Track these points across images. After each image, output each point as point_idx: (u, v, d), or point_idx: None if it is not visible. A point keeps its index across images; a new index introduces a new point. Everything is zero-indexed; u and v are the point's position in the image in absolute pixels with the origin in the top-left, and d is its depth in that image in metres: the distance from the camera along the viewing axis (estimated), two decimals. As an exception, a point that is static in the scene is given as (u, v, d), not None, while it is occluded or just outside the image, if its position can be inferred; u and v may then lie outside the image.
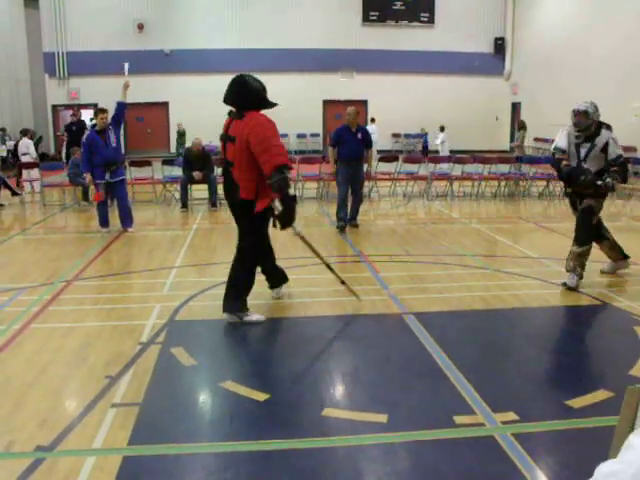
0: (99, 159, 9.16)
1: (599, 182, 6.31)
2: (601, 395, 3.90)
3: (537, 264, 7.39)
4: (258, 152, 4.99)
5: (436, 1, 25.21)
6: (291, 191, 5.15)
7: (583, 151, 6.42)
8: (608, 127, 6.55)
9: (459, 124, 23.08)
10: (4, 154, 18.65)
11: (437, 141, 19.53)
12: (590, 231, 6.52)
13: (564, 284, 6.39)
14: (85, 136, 9.50)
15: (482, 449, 3.38)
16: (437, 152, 18.54)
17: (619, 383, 4.06)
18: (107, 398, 3.94)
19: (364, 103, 24.81)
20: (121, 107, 9.27)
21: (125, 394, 4.01)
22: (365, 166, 10.07)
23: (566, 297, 6.14)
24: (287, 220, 5.27)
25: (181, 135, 22.97)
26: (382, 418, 3.68)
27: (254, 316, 5.41)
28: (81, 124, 15.96)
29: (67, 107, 24.10)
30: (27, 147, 14.84)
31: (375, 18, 25.13)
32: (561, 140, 6.57)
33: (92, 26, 23.35)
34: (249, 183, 5.16)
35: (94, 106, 22.00)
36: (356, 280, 6.88)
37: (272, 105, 5.41)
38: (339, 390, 4.19)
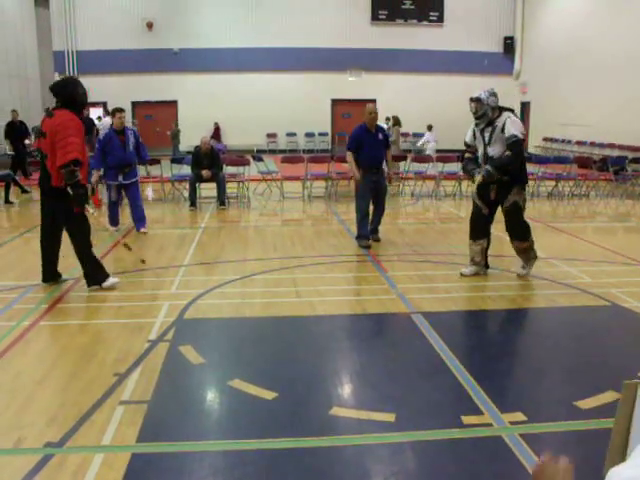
0: (113, 160, 9.13)
1: (477, 176, 6.58)
2: (610, 396, 3.87)
3: (545, 264, 7.36)
4: (57, 145, 5.81)
5: (445, 0, 25.15)
6: (79, 180, 5.91)
7: (487, 136, 6.61)
8: (511, 111, 6.66)
9: (468, 123, 23.02)
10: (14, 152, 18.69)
11: (419, 142, 19.37)
12: (524, 225, 6.73)
13: (518, 274, 6.81)
14: (103, 134, 9.51)
15: (490, 449, 3.37)
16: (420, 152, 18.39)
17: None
18: (115, 395, 3.96)
19: (373, 102, 24.77)
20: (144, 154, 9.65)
21: (133, 392, 4.02)
22: (385, 168, 8.77)
23: (574, 298, 6.12)
24: (77, 204, 6.06)
25: (175, 136, 22.94)
26: (390, 417, 3.68)
27: (111, 280, 6.34)
28: (89, 122, 16.00)
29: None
30: None
31: (384, 17, 25.10)
32: (467, 135, 6.91)
33: (101, 25, 23.46)
34: (59, 173, 5.91)
35: (103, 104, 22.24)
36: (364, 279, 6.89)
37: (81, 109, 6.24)
38: (347, 389, 4.20)
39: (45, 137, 5.94)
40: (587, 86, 19.94)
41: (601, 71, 19.10)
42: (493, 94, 6.58)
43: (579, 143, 20.87)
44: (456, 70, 24.84)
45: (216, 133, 24.73)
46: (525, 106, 25.23)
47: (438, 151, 17.91)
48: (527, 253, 6.78)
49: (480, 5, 25.19)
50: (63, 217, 6.23)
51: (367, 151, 8.31)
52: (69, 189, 5.95)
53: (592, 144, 20.17)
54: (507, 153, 6.40)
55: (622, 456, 1.51)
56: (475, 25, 25.10)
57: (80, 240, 6.26)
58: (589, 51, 19.87)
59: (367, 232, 8.42)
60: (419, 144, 19.57)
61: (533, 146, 24.04)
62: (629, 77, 17.80)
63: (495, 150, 6.51)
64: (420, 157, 15.20)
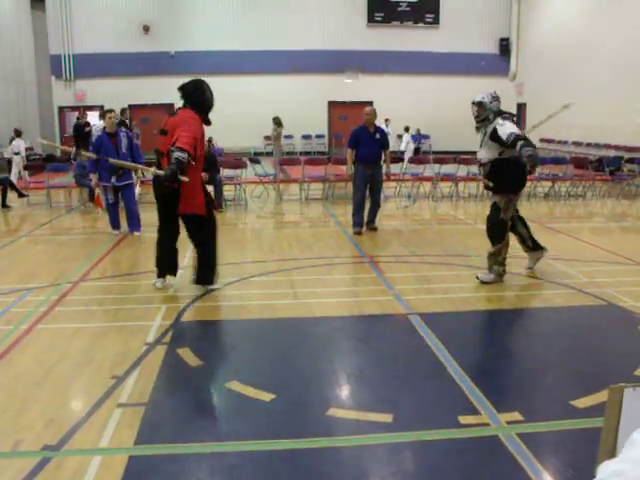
0: (106, 163, 9.13)
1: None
2: (606, 395, 3.87)
3: (542, 264, 7.37)
4: (176, 135, 5.72)
5: (441, 2, 25.21)
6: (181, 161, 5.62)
7: (479, 139, 6.58)
8: (506, 117, 6.41)
9: (464, 124, 23.04)
10: (11, 155, 18.69)
11: (402, 144, 19.09)
12: (498, 229, 6.56)
13: (478, 278, 6.62)
14: (96, 137, 9.55)
15: (487, 449, 3.38)
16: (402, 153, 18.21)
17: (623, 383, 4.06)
18: (113, 398, 3.96)
19: (370, 104, 24.78)
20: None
21: (131, 394, 4.03)
22: (384, 167, 9.75)
23: (571, 297, 6.14)
24: (166, 178, 5.78)
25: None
26: (387, 418, 3.69)
27: (216, 285, 6.43)
28: (82, 127, 16.10)
29: (73, 109, 24.19)
30: (19, 147, 15.27)
31: (380, 19, 25.14)
32: None
33: (98, 28, 23.47)
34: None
35: (100, 108, 22.24)
36: (362, 281, 6.90)
37: (207, 112, 6.21)
38: (344, 390, 4.21)
39: (166, 135, 5.97)
40: (583, 87, 19.98)
41: (596, 72, 19.16)
42: (496, 98, 6.47)
43: (575, 144, 20.91)
44: (452, 71, 24.88)
45: None
46: (521, 107, 25.28)
47: (435, 152, 17.89)
48: (491, 260, 6.61)
49: (476, 7, 25.24)
50: (182, 217, 6.22)
51: (364, 148, 9.32)
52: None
53: (588, 145, 20.21)
54: (520, 143, 5.99)
55: (611, 457, 1.52)
56: (471, 27, 25.15)
57: (209, 236, 6.26)
58: (584, 52, 19.93)
59: (360, 220, 9.40)
60: (402, 145, 19.30)
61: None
62: (624, 78, 17.85)
63: (482, 154, 6.50)
64: (417, 158, 15.20)
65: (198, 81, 6.21)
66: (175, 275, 6.59)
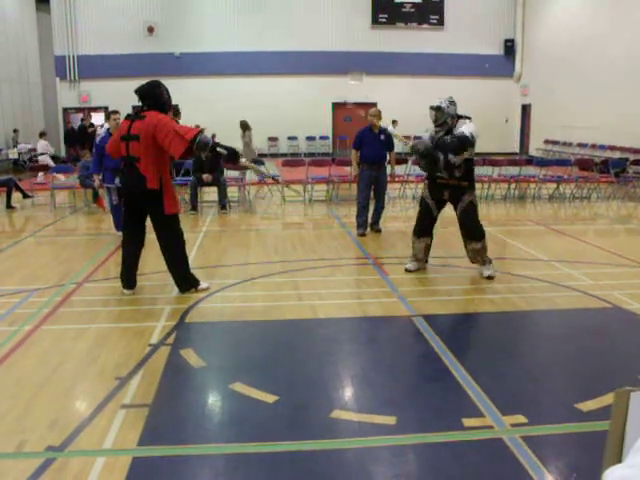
0: (109, 163, 9.11)
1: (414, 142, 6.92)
2: (611, 398, 3.85)
3: (547, 267, 7.36)
4: (165, 141, 5.73)
5: (446, 3, 25.19)
6: (212, 142, 5.91)
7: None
8: (469, 119, 6.86)
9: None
10: (16, 156, 18.78)
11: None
12: (480, 224, 6.89)
13: (488, 277, 6.78)
14: (99, 138, 9.53)
15: (491, 452, 3.37)
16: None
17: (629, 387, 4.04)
18: (117, 399, 3.96)
19: (374, 105, 24.76)
20: None
21: (135, 395, 4.03)
22: (388, 168, 9.79)
23: (575, 300, 6.12)
24: (231, 161, 6.36)
25: None
26: (391, 420, 3.68)
27: (204, 284, 6.43)
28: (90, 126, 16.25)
29: (78, 110, 24.26)
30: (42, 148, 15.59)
31: (384, 20, 25.13)
32: (424, 137, 7.10)
33: (103, 29, 23.51)
34: (155, 175, 5.88)
35: (104, 109, 22.31)
36: (365, 282, 6.89)
37: (167, 111, 6.15)
38: (348, 392, 4.20)
39: (138, 140, 5.85)
40: (588, 88, 19.96)
41: (602, 73, 19.11)
42: (453, 102, 6.85)
43: (580, 145, 20.87)
44: (457, 73, 24.84)
45: None
46: (526, 108, 25.26)
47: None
48: (482, 255, 6.85)
49: (480, 8, 25.21)
50: (159, 220, 6.10)
51: (369, 149, 9.33)
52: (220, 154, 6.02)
53: (593, 146, 20.18)
54: (454, 139, 6.61)
55: (617, 462, 1.51)
56: (476, 28, 25.11)
57: (177, 243, 6.21)
58: (589, 53, 19.89)
59: (363, 222, 9.42)
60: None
61: (534, 148, 24.04)
62: (630, 79, 17.81)
63: (456, 157, 6.66)
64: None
65: (157, 82, 6.12)
66: (133, 289, 6.39)
